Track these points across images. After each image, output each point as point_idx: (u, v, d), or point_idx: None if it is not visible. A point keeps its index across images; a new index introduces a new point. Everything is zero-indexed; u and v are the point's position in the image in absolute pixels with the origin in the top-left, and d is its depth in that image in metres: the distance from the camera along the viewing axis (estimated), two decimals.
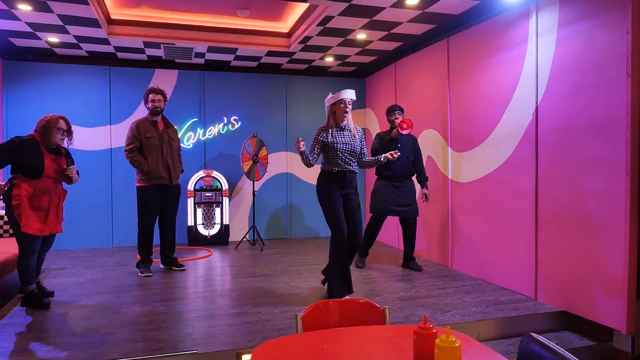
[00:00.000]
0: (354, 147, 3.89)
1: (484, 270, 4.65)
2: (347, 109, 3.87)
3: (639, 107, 3.14)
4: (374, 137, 5.16)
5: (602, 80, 3.34)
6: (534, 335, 1.53)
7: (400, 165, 4.89)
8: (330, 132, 3.86)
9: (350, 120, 3.94)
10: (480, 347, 1.66)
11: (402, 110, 5.07)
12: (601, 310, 3.36)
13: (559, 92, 3.73)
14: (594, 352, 3.36)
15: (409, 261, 5.14)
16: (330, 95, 3.94)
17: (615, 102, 3.23)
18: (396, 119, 4.93)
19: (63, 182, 3.88)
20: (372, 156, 4.55)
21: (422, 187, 5.05)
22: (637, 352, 3.20)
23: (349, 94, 3.86)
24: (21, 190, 3.52)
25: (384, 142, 4.86)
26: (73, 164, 3.85)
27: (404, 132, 4.64)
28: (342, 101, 3.84)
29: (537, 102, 3.95)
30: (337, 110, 3.88)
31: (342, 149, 3.83)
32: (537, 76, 3.94)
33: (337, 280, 3.80)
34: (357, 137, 3.94)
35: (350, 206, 3.89)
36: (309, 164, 3.85)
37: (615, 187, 3.23)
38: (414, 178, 5.09)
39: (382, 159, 3.96)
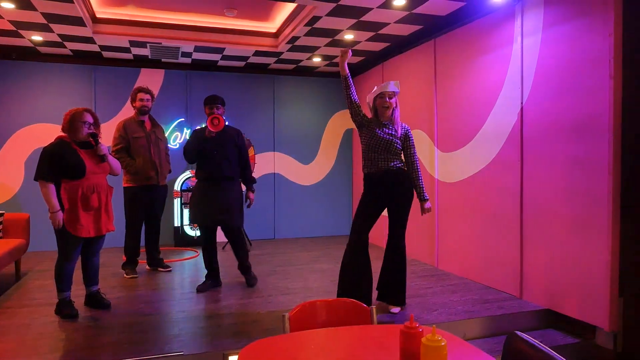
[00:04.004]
0: (394, 143, 3.51)
1: (470, 269, 4.68)
2: (387, 104, 3.48)
3: (620, 108, 3.19)
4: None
5: (585, 81, 3.38)
6: (519, 333, 1.54)
7: (216, 165, 4.16)
8: (373, 125, 3.53)
9: (396, 116, 3.56)
10: (466, 345, 1.67)
11: (223, 103, 4.28)
12: (584, 308, 3.40)
13: (543, 93, 3.78)
14: (577, 349, 3.41)
15: (244, 274, 4.48)
16: (375, 88, 3.62)
17: (598, 103, 3.28)
18: (212, 114, 4.14)
19: (107, 177, 3.70)
20: (187, 157, 4.21)
21: (247, 190, 4.42)
22: (619, 348, 3.26)
23: (389, 86, 3.48)
24: (62, 194, 3.36)
25: (199, 141, 4.15)
26: (98, 143, 3.55)
27: (215, 130, 4.03)
28: (381, 95, 3.50)
29: (522, 102, 3.99)
30: (377, 106, 3.54)
31: (382, 145, 3.47)
32: (522, 77, 3.98)
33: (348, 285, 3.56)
34: (399, 133, 3.57)
35: (393, 212, 3.60)
36: (349, 92, 3.51)
37: (598, 186, 3.28)
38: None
39: (425, 196, 3.63)
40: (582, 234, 3.42)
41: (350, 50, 3.51)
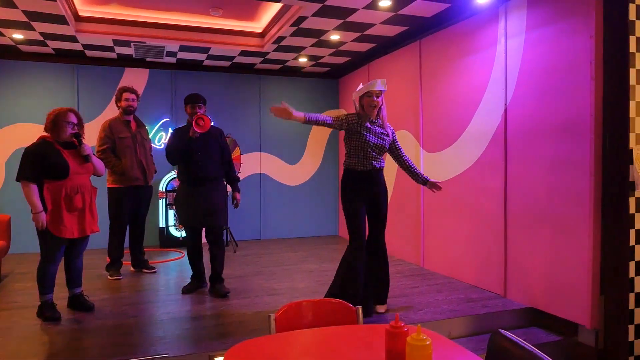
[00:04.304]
0: (384, 143, 3.55)
1: (455, 268, 4.72)
2: (375, 103, 3.46)
3: (602, 110, 3.25)
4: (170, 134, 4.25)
5: (568, 82, 3.44)
6: (502, 332, 1.56)
7: (204, 166, 4.05)
8: (362, 123, 3.50)
9: (384, 114, 3.57)
10: (450, 344, 1.68)
11: (204, 102, 4.18)
12: (567, 306, 3.46)
13: (527, 94, 3.82)
14: (560, 346, 3.46)
15: (214, 284, 4.17)
16: (360, 85, 3.58)
17: (580, 104, 3.33)
18: (195, 114, 4.03)
19: (91, 178, 3.65)
20: (170, 158, 4.07)
21: (233, 190, 4.28)
22: (601, 345, 3.31)
23: (376, 85, 3.45)
24: (45, 195, 3.32)
25: (183, 141, 4.00)
26: (82, 143, 3.50)
27: (200, 130, 3.90)
28: (369, 93, 3.46)
29: (506, 103, 4.04)
30: (365, 104, 3.50)
31: (373, 143, 3.48)
32: (506, 78, 4.03)
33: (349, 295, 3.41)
34: (389, 133, 3.59)
35: (376, 209, 3.61)
36: (321, 123, 3.43)
37: (580, 187, 3.34)
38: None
39: (425, 178, 3.66)
40: (564, 233, 3.47)
41: (279, 107, 3.29)
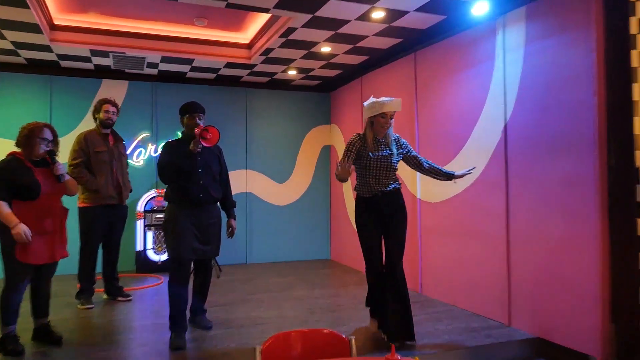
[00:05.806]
0: (390, 163, 3.58)
1: (455, 295, 4.68)
2: (388, 125, 3.53)
3: (606, 126, 3.27)
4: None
5: (569, 98, 3.47)
6: None
7: (205, 186, 3.70)
8: (366, 147, 3.54)
9: (390, 132, 3.59)
10: None
11: (204, 112, 3.85)
12: (576, 336, 3.42)
13: (527, 109, 3.86)
14: None
15: (196, 316, 3.98)
16: (371, 99, 3.57)
17: (583, 120, 3.36)
18: (196, 125, 3.70)
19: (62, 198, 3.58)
20: (164, 176, 3.66)
21: (229, 217, 3.99)
22: None
23: (394, 106, 3.47)
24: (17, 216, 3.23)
25: (180, 157, 3.62)
26: (55, 162, 3.43)
27: (208, 144, 3.58)
28: (384, 115, 3.49)
29: (505, 119, 4.07)
30: (375, 122, 3.54)
31: (377, 167, 3.54)
32: (505, 93, 4.07)
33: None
34: (394, 150, 3.61)
35: (390, 234, 3.61)
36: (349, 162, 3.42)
37: (586, 206, 3.34)
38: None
39: (450, 173, 3.70)
40: (571, 256, 3.45)
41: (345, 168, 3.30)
